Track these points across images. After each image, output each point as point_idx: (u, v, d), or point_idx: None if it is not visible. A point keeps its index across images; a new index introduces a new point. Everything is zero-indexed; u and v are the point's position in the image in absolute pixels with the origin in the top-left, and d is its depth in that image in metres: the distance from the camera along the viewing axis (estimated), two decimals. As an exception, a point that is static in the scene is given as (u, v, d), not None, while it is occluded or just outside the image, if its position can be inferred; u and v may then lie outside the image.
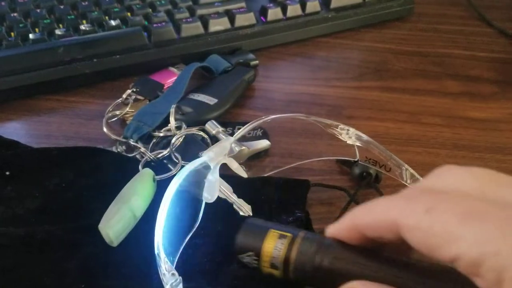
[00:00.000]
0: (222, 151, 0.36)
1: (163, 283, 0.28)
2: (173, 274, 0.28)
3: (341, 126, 0.38)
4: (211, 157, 0.34)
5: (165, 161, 0.40)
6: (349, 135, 0.38)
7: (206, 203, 0.33)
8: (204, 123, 0.42)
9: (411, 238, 0.20)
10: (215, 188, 0.34)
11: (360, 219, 0.23)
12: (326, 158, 0.42)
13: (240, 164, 0.39)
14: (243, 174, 0.39)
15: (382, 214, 0.22)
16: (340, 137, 0.38)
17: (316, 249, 0.24)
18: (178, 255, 0.32)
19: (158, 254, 0.29)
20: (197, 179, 0.33)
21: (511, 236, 0.18)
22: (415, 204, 0.21)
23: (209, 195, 0.33)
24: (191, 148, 0.41)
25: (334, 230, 0.24)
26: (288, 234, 0.25)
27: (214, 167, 0.34)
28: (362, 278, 0.22)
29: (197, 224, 0.33)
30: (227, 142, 0.37)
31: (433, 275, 0.21)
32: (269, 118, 0.39)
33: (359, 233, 0.23)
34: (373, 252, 0.23)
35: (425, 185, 0.23)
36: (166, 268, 0.28)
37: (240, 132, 0.37)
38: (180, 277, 0.28)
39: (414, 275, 0.22)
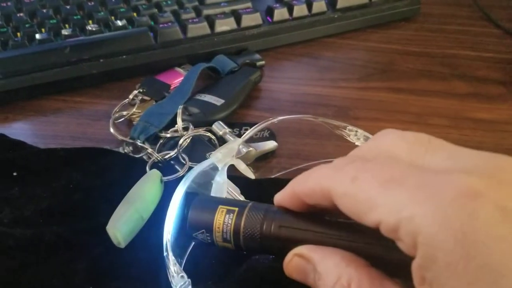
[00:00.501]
0: (230, 153, 0.36)
1: (172, 285, 0.28)
2: (182, 276, 0.28)
3: (350, 127, 0.38)
4: (219, 158, 0.34)
5: (172, 162, 0.40)
6: (358, 137, 0.38)
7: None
8: (210, 124, 0.42)
9: (341, 205, 0.21)
10: (222, 190, 0.34)
11: (298, 187, 0.24)
12: (333, 159, 0.42)
13: (247, 165, 0.39)
14: (251, 175, 0.39)
15: (316, 182, 0.23)
16: (348, 138, 0.38)
17: (262, 218, 0.25)
18: (186, 257, 0.32)
19: (166, 256, 0.29)
20: (205, 181, 0.33)
21: (425, 202, 0.18)
22: (343, 173, 0.22)
23: None
24: (198, 149, 0.41)
25: (279, 198, 0.26)
26: (235, 208, 0.26)
27: (221, 168, 0.34)
28: (308, 242, 0.23)
29: None
30: (235, 144, 0.37)
31: (371, 235, 0.22)
32: (277, 119, 0.39)
33: (300, 200, 0.24)
34: (316, 216, 0.24)
35: (358, 152, 0.24)
36: (175, 270, 0.28)
37: (248, 133, 0.37)
38: (189, 280, 0.28)
39: (355, 236, 0.22)
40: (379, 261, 0.22)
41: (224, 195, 0.34)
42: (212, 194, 0.33)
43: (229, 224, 0.26)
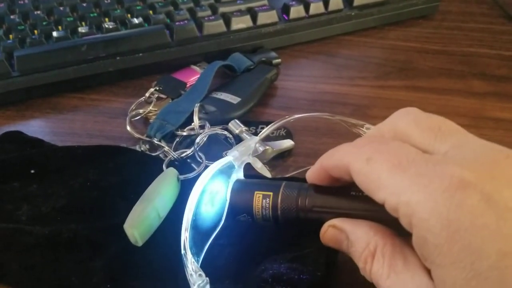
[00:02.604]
0: (247, 151, 0.36)
1: (190, 283, 0.28)
2: (200, 275, 0.28)
3: (367, 125, 0.38)
4: (236, 156, 0.34)
5: (188, 160, 0.39)
6: None
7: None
8: (227, 122, 0.42)
9: (357, 181, 0.24)
10: None
11: (325, 162, 0.27)
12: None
13: (263, 163, 0.39)
14: (267, 173, 0.38)
15: (338, 159, 0.26)
16: None
17: (297, 195, 0.29)
18: (203, 256, 0.32)
19: (184, 254, 0.28)
20: (222, 179, 0.33)
21: (421, 190, 0.21)
22: (360, 153, 0.24)
23: None
24: (215, 147, 0.40)
25: (309, 173, 0.29)
26: (270, 193, 0.30)
27: (238, 166, 0.34)
28: (338, 215, 0.27)
29: (222, 224, 0.33)
30: (252, 142, 0.36)
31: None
32: (293, 117, 0.38)
33: (327, 173, 0.27)
34: (344, 191, 0.27)
35: (378, 130, 0.27)
36: (193, 269, 0.28)
37: (265, 131, 0.37)
38: (207, 278, 0.27)
39: (376, 209, 0.24)
40: (397, 230, 0.24)
41: None
42: (229, 192, 0.33)
43: (267, 208, 0.30)
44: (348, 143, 0.26)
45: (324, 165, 0.27)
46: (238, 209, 0.31)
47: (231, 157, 0.34)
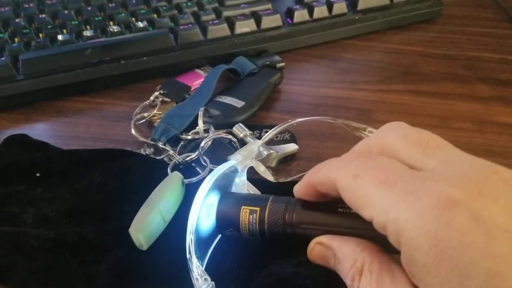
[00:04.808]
0: (250, 155, 0.36)
1: (195, 287, 0.28)
2: (205, 279, 0.28)
3: (369, 129, 0.38)
4: (239, 160, 0.34)
5: (193, 164, 0.40)
6: None
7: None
8: (231, 126, 0.42)
9: (344, 197, 0.24)
10: (242, 191, 0.34)
11: (312, 177, 0.27)
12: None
13: (268, 167, 0.39)
14: (270, 177, 0.38)
15: (325, 175, 0.26)
16: None
17: (284, 210, 0.28)
18: (207, 259, 0.32)
19: (189, 258, 0.29)
20: (225, 183, 0.33)
21: (409, 208, 0.21)
22: (348, 169, 0.24)
23: None
24: (219, 151, 0.40)
25: (297, 188, 0.29)
26: (257, 208, 0.29)
27: (241, 170, 0.34)
28: (325, 231, 0.27)
29: None
30: (255, 145, 0.36)
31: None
32: (296, 121, 0.38)
33: (314, 189, 0.27)
34: (331, 206, 0.27)
35: (365, 145, 0.27)
36: (199, 273, 0.28)
37: (268, 135, 0.37)
38: (213, 282, 0.27)
39: (363, 226, 0.24)
40: (385, 247, 0.24)
41: None
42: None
43: (254, 223, 0.29)
44: (335, 158, 0.26)
45: (311, 180, 0.27)
46: (225, 223, 0.30)
47: (234, 161, 0.34)
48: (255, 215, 0.29)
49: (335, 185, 0.25)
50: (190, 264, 0.28)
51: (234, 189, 0.34)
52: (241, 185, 0.34)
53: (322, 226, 0.27)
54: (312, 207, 0.28)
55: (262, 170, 0.38)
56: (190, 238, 0.29)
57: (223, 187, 0.33)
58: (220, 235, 0.33)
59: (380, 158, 0.24)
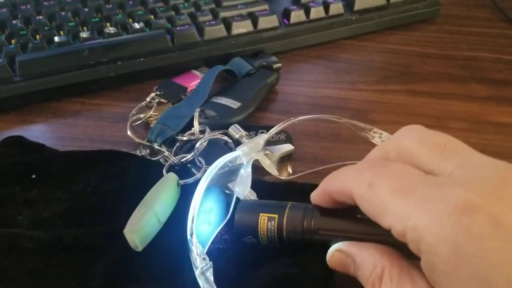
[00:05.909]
0: (256, 147, 0.36)
1: (193, 267, 0.28)
2: (204, 258, 0.28)
3: (375, 129, 0.38)
4: (246, 151, 0.34)
5: (189, 165, 0.40)
6: (382, 139, 0.37)
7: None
8: (227, 127, 0.42)
9: (361, 207, 0.24)
10: (247, 183, 0.34)
11: (327, 187, 0.27)
12: (350, 162, 0.41)
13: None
14: (275, 172, 0.39)
15: (340, 183, 0.26)
16: (373, 140, 0.38)
17: (302, 217, 0.29)
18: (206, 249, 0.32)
19: (190, 239, 0.29)
20: (229, 174, 0.33)
21: (427, 214, 0.21)
22: (363, 177, 0.24)
23: (240, 190, 0.33)
24: (215, 152, 0.40)
25: (313, 196, 0.28)
26: (275, 215, 0.29)
27: (247, 162, 0.34)
28: (344, 237, 0.27)
29: (227, 219, 0.33)
30: (261, 139, 0.37)
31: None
32: (300, 118, 0.38)
33: (331, 197, 0.27)
34: (349, 213, 0.27)
35: (380, 152, 0.27)
36: (198, 252, 0.28)
37: (274, 130, 0.37)
38: (211, 262, 0.28)
39: (381, 232, 0.24)
40: (405, 253, 0.24)
41: (248, 187, 0.34)
42: (237, 187, 0.34)
43: (272, 230, 0.29)
44: (350, 167, 0.26)
45: (327, 189, 0.27)
46: (244, 231, 0.31)
47: (240, 151, 0.34)
48: (273, 222, 0.29)
49: (351, 194, 0.24)
50: (190, 244, 0.29)
51: (239, 180, 0.34)
52: (246, 176, 0.35)
53: (340, 233, 0.27)
54: (330, 213, 0.28)
55: (267, 163, 0.38)
56: (192, 217, 0.30)
57: (226, 177, 0.33)
58: (221, 226, 0.33)
59: (394, 165, 0.24)
